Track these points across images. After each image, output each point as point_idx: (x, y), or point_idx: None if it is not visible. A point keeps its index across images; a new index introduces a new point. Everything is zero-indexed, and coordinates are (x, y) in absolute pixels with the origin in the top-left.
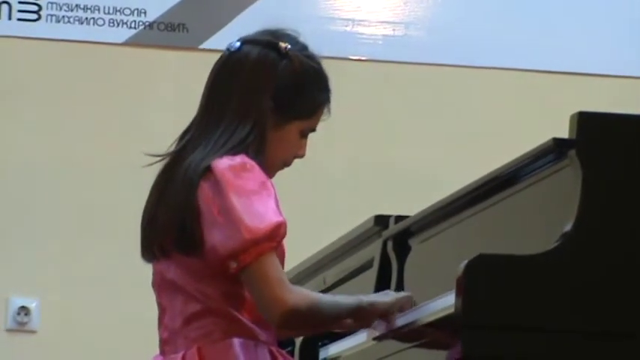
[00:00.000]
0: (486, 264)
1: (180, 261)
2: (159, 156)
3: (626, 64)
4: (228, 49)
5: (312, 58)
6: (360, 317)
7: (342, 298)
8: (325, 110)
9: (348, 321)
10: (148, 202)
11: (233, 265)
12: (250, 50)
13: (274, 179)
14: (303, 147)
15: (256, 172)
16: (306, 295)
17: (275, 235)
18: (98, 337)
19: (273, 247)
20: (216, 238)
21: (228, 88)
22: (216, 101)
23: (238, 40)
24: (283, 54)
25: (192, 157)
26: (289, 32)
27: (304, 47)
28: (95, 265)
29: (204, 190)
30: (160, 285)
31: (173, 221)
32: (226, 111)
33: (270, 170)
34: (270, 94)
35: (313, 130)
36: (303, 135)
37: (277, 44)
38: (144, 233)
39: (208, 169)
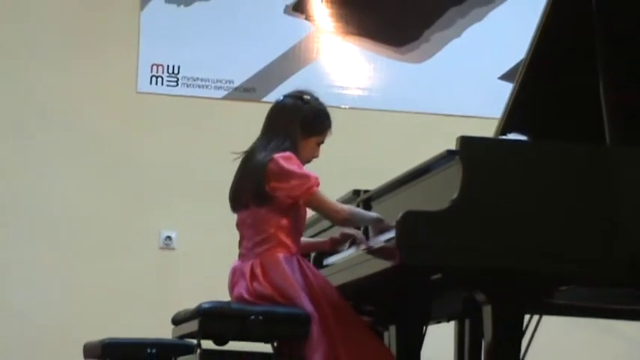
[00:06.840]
0: (412, 215)
1: (253, 211)
2: (239, 153)
3: (486, 107)
4: (277, 100)
5: (320, 104)
6: (356, 224)
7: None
8: (329, 131)
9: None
10: (235, 178)
11: (301, 200)
12: (288, 100)
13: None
14: (318, 151)
15: (297, 160)
16: (345, 207)
17: (316, 182)
18: (212, 256)
19: (317, 186)
20: (287, 189)
21: (277, 120)
22: (271, 126)
23: (283, 95)
24: (306, 102)
25: (260, 154)
26: (309, 91)
27: (317, 98)
28: (210, 213)
29: (270, 168)
30: (242, 224)
31: (253, 186)
32: (277, 132)
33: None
34: (299, 123)
35: (322, 142)
36: (318, 144)
37: (302, 97)
38: (233, 194)
39: (272, 159)
